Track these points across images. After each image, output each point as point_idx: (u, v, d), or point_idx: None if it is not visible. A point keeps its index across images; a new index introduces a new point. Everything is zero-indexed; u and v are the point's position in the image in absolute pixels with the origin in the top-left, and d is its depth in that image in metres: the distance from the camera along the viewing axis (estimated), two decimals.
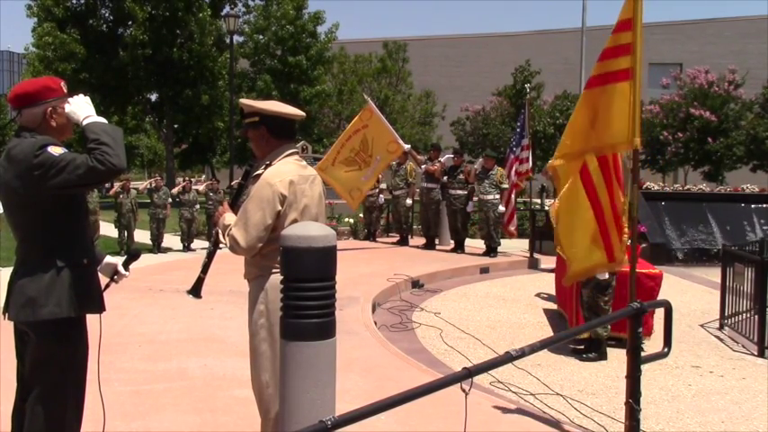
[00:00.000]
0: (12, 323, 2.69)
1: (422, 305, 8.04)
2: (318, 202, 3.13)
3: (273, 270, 2.99)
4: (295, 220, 2.97)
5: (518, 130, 11.96)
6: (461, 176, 11.90)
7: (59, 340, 2.63)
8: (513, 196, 11.65)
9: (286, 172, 3.00)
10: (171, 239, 13.36)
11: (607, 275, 5.82)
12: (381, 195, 13.46)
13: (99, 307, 2.77)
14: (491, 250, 11.45)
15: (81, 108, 2.68)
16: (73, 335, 2.67)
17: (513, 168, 11.50)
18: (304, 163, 3.19)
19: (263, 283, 3.01)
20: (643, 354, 3.43)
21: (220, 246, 3.27)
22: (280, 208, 2.95)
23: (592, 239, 4.96)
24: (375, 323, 6.71)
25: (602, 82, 4.72)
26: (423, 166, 12.39)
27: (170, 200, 13.19)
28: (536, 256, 11.43)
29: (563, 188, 4.97)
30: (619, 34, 4.63)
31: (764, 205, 13.73)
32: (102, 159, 2.49)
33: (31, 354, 2.62)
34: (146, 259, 11.48)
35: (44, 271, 2.59)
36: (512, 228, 11.77)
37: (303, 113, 3.26)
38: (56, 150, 2.53)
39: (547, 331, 7.00)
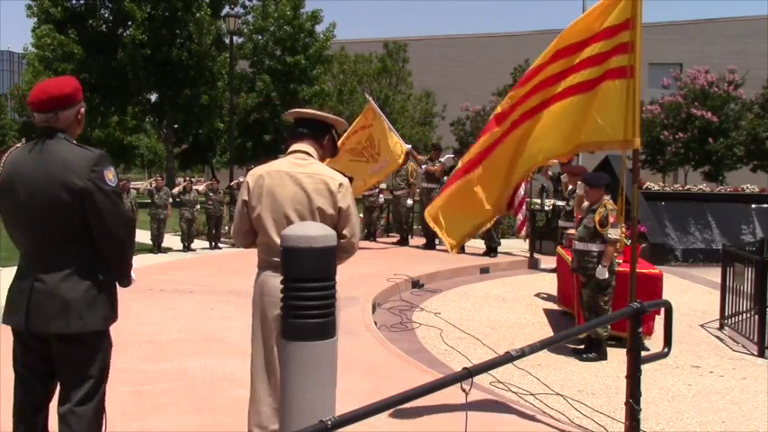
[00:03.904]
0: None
1: (422, 305, 8.04)
2: (293, 199, 3.04)
3: (261, 265, 3.16)
4: (260, 216, 3.05)
5: None
6: None
7: (99, 347, 2.69)
8: (523, 204, 11.73)
9: (266, 166, 3.13)
10: (171, 239, 13.36)
11: (607, 275, 5.82)
12: (381, 195, 13.45)
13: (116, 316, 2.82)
14: (491, 250, 11.45)
15: None
16: (107, 338, 2.73)
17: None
18: (302, 161, 3.13)
19: (256, 277, 3.16)
20: (643, 354, 3.44)
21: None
22: (245, 198, 3.10)
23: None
24: (375, 323, 6.71)
25: (595, 84, 4.71)
26: (423, 167, 12.39)
27: (170, 200, 13.18)
28: (536, 256, 11.43)
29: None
30: (623, 32, 4.61)
31: (764, 205, 13.73)
32: (125, 252, 2.70)
33: (71, 359, 2.62)
34: (146, 259, 11.52)
35: (87, 281, 2.60)
36: (523, 233, 11.86)
37: (306, 110, 3.30)
38: (111, 177, 2.61)
39: (547, 331, 7.00)
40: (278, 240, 3.00)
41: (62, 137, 2.63)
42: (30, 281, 2.59)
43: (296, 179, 3.05)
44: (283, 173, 3.07)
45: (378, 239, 13.49)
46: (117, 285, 2.78)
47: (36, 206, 2.56)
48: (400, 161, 11.71)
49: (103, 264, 2.66)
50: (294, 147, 3.16)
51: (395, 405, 2.12)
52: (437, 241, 12.49)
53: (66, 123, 2.66)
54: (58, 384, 2.71)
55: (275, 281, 3.02)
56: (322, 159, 3.22)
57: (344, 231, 3.07)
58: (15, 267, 2.76)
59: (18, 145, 2.71)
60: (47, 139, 2.62)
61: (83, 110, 2.74)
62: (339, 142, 12.63)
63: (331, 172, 3.11)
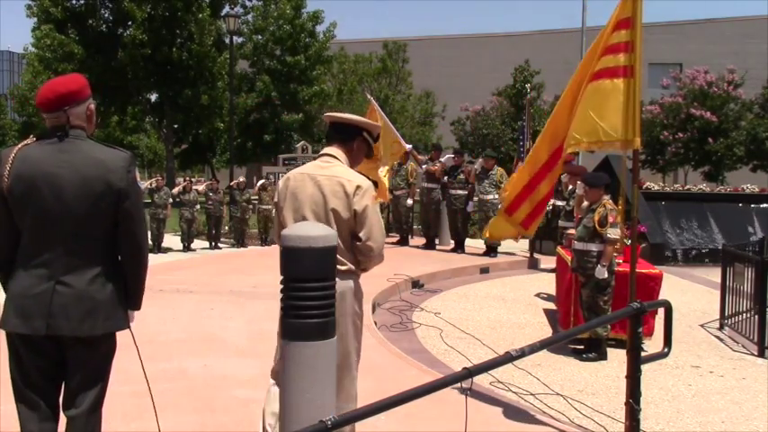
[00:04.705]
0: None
1: (422, 305, 8.03)
2: (312, 200, 3.09)
3: None
4: (284, 216, 3.14)
5: (521, 142, 11.97)
6: (462, 176, 11.90)
7: (113, 349, 2.71)
8: None
9: (295, 170, 3.24)
10: (171, 239, 13.35)
11: (606, 275, 5.82)
12: None
13: None
14: (491, 250, 11.45)
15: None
16: (115, 340, 2.73)
17: None
18: (326, 164, 3.18)
19: None
20: (643, 354, 3.43)
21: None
22: (276, 200, 3.25)
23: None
24: (375, 323, 6.71)
25: (600, 77, 4.69)
26: (423, 167, 12.38)
27: (170, 200, 13.17)
28: (536, 256, 11.42)
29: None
30: (619, 32, 4.61)
31: (764, 205, 13.73)
32: (143, 258, 2.68)
33: (89, 362, 2.59)
34: None
35: (114, 283, 2.59)
36: None
37: (336, 114, 3.36)
38: (138, 179, 2.67)
39: (547, 331, 7.00)
40: None
41: (84, 135, 2.59)
42: (50, 284, 2.48)
43: (316, 181, 3.09)
44: (306, 175, 3.13)
45: None
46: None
47: (67, 206, 2.48)
48: (395, 159, 11.69)
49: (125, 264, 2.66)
50: (323, 150, 3.24)
51: (395, 405, 2.12)
52: (437, 241, 12.51)
53: (77, 121, 2.59)
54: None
55: None
56: (353, 163, 3.23)
57: (360, 234, 3.06)
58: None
59: (28, 142, 2.58)
60: (71, 138, 2.55)
61: (93, 106, 2.68)
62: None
63: (350, 174, 3.11)
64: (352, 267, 3.13)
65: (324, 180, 3.08)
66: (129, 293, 2.68)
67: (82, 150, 2.54)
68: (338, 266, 3.00)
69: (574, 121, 4.73)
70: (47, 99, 2.56)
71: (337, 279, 2.99)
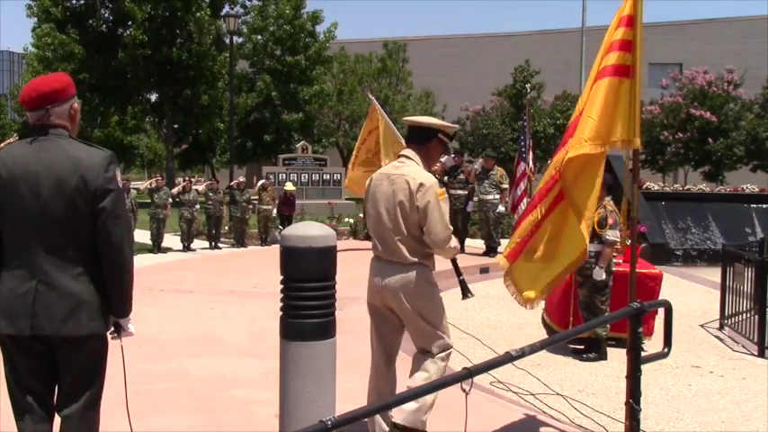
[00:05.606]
0: None
1: None
2: (385, 197, 3.42)
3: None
4: (367, 212, 3.55)
5: (522, 141, 11.96)
6: (462, 176, 11.90)
7: (105, 348, 2.67)
8: (523, 200, 11.66)
9: (378, 171, 3.60)
10: (171, 239, 13.35)
11: (603, 276, 5.82)
12: None
13: None
14: (491, 250, 11.45)
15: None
16: (107, 340, 2.70)
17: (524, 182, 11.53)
18: (400, 164, 3.48)
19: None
20: (643, 354, 3.43)
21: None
22: (364, 197, 3.65)
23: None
24: None
25: (606, 74, 4.63)
26: None
27: (170, 200, 13.17)
28: None
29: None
30: (621, 29, 4.59)
31: (764, 205, 13.73)
32: (124, 260, 2.56)
33: (80, 363, 2.57)
34: (146, 259, 11.52)
35: (97, 282, 2.54)
36: None
37: (410, 118, 3.68)
38: (119, 178, 2.63)
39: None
40: (373, 234, 3.53)
41: (66, 134, 2.56)
42: (32, 283, 2.47)
43: (390, 180, 3.43)
44: (384, 175, 3.50)
45: None
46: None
47: (45, 205, 2.45)
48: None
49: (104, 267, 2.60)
50: (402, 152, 3.56)
51: (395, 405, 2.12)
52: None
53: (60, 119, 2.56)
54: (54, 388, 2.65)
55: (376, 263, 3.62)
56: (428, 163, 3.53)
57: (424, 228, 3.37)
58: None
59: (11, 141, 2.59)
60: (52, 136, 2.53)
61: (77, 105, 2.64)
62: (353, 155, 12.50)
63: (416, 173, 3.38)
64: (410, 257, 3.44)
65: (396, 178, 3.42)
66: (111, 299, 2.59)
67: (61, 149, 2.51)
68: (394, 259, 3.41)
69: (607, 119, 4.55)
70: (29, 97, 2.55)
71: (393, 271, 3.45)
